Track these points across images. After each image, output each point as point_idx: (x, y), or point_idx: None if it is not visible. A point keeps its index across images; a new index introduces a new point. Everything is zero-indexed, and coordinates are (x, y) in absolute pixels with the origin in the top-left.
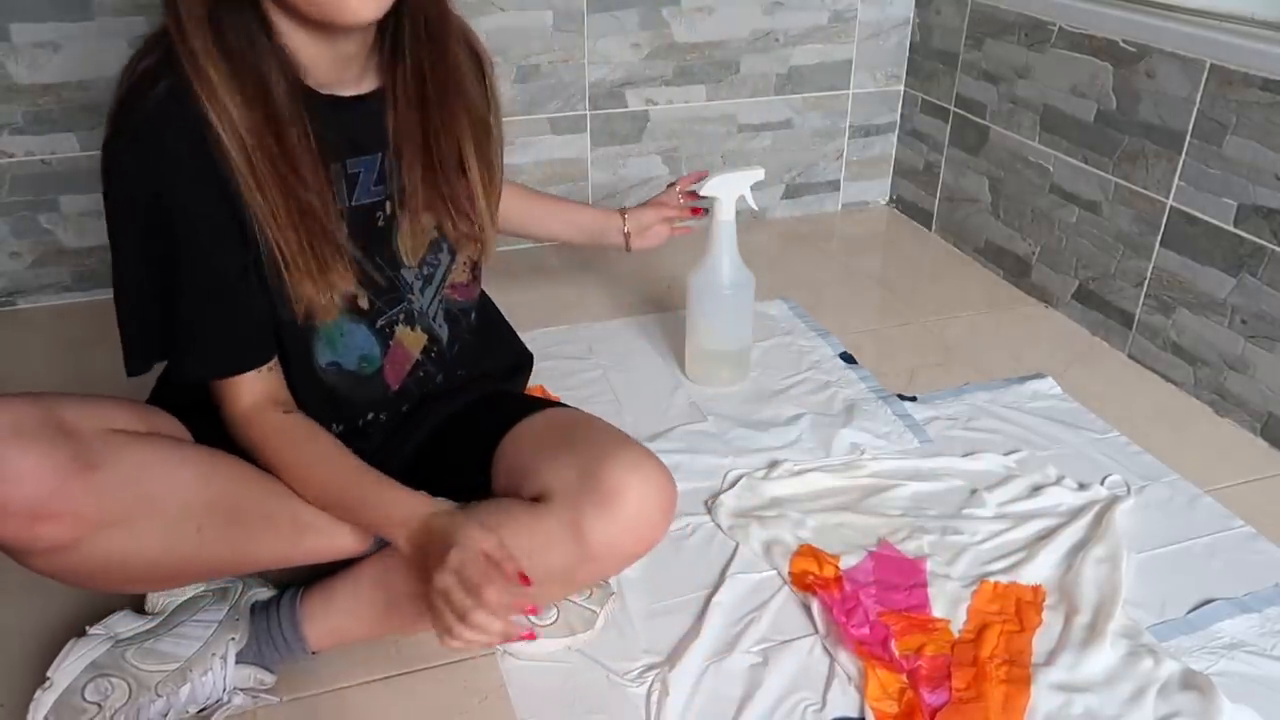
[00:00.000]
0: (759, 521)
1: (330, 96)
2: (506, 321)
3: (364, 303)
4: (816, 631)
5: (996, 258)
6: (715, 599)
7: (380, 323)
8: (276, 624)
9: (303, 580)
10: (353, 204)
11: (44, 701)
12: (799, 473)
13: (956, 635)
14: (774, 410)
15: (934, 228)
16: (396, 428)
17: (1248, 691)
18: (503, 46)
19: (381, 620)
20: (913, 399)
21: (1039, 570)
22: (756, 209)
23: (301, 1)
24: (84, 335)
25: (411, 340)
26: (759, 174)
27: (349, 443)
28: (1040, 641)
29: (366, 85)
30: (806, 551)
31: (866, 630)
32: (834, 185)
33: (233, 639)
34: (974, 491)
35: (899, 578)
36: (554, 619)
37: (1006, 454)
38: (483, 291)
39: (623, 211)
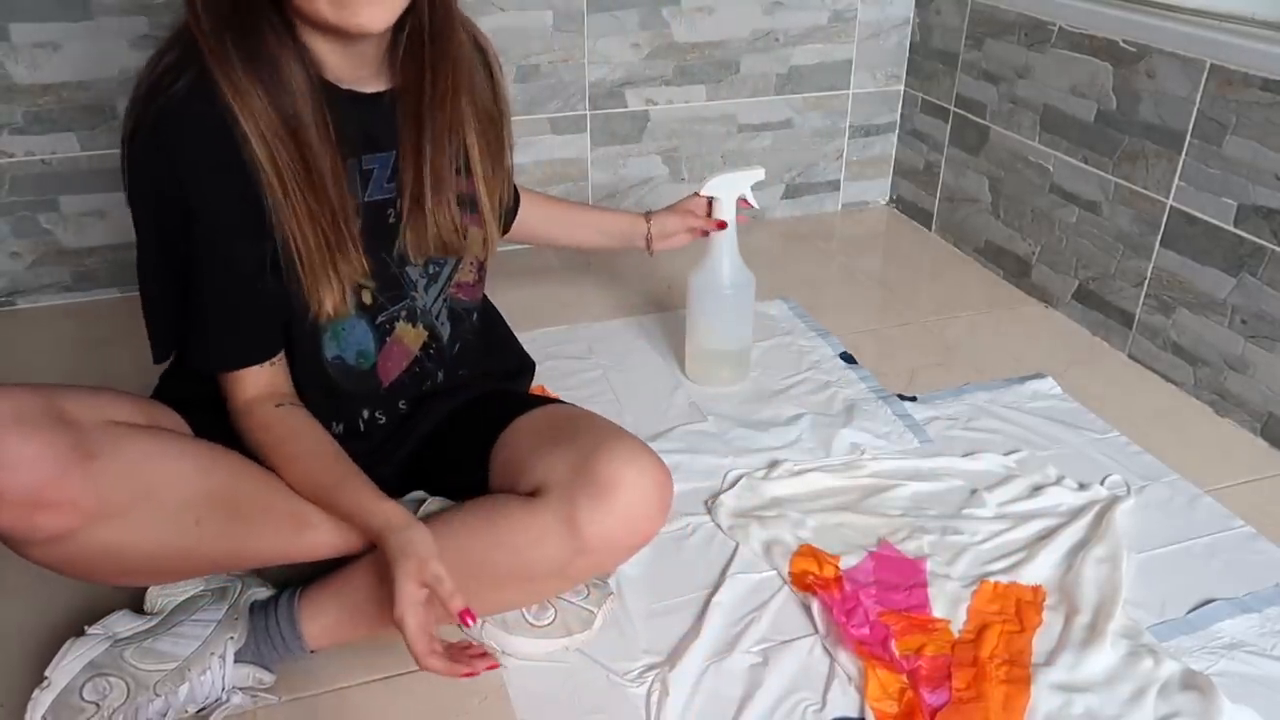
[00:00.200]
0: (759, 521)
1: (349, 92)
2: (509, 328)
3: (367, 298)
4: (816, 631)
5: (996, 258)
6: (715, 599)
7: (380, 318)
8: (275, 623)
9: (301, 579)
10: (365, 200)
11: (42, 701)
12: (799, 473)
13: (956, 635)
14: (774, 410)
15: (934, 228)
16: (396, 429)
17: (1248, 691)
18: (503, 46)
19: (379, 618)
20: (913, 399)
21: (1039, 570)
22: (757, 208)
23: (314, 11)
24: (84, 335)
25: (412, 337)
26: (759, 174)
27: (349, 443)
28: (1040, 641)
29: (382, 83)
30: (806, 551)
31: (866, 630)
32: (834, 185)
33: (231, 638)
34: (974, 491)
35: (899, 578)
36: (551, 619)
37: (1006, 454)
38: (485, 295)
39: (647, 216)
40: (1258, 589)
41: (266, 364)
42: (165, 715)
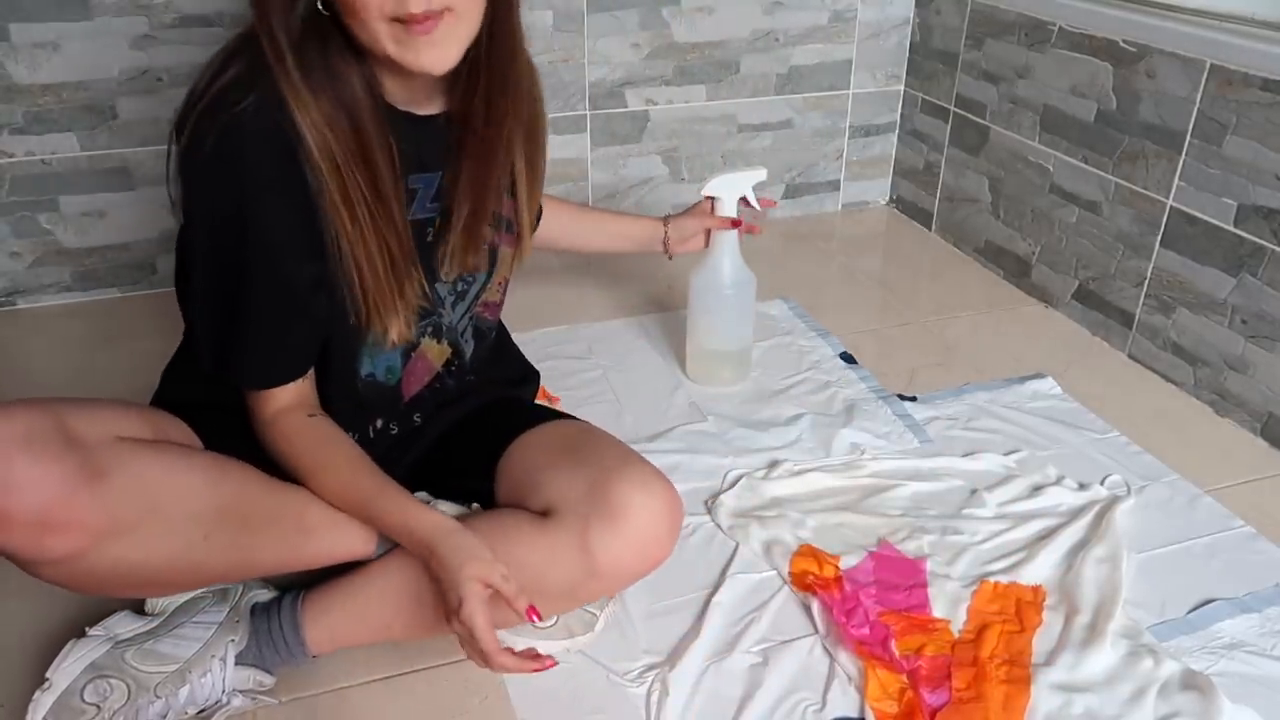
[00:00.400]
0: (759, 521)
1: (406, 114)
2: (513, 340)
3: None
4: (816, 631)
5: (996, 258)
6: (715, 599)
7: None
8: (278, 627)
9: (303, 583)
10: (409, 219)
11: (43, 702)
12: (799, 473)
13: (956, 635)
14: (774, 410)
15: (934, 228)
16: (406, 437)
17: (1248, 691)
18: None
19: (383, 627)
20: (913, 399)
21: (1039, 570)
22: (759, 209)
23: (378, 48)
24: (84, 335)
25: (435, 353)
26: (761, 174)
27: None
28: (1040, 641)
29: (436, 106)
30: (806, 551)
31: (866, 630)
32: (834, 185)
33: (232, 641)
34: (974, 491)
35: (899, 578)
36: (553, 621)
37: (1006, 454)
38: None
39: (666, 220)
40: (1258, 589)
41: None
42: (165, 717)
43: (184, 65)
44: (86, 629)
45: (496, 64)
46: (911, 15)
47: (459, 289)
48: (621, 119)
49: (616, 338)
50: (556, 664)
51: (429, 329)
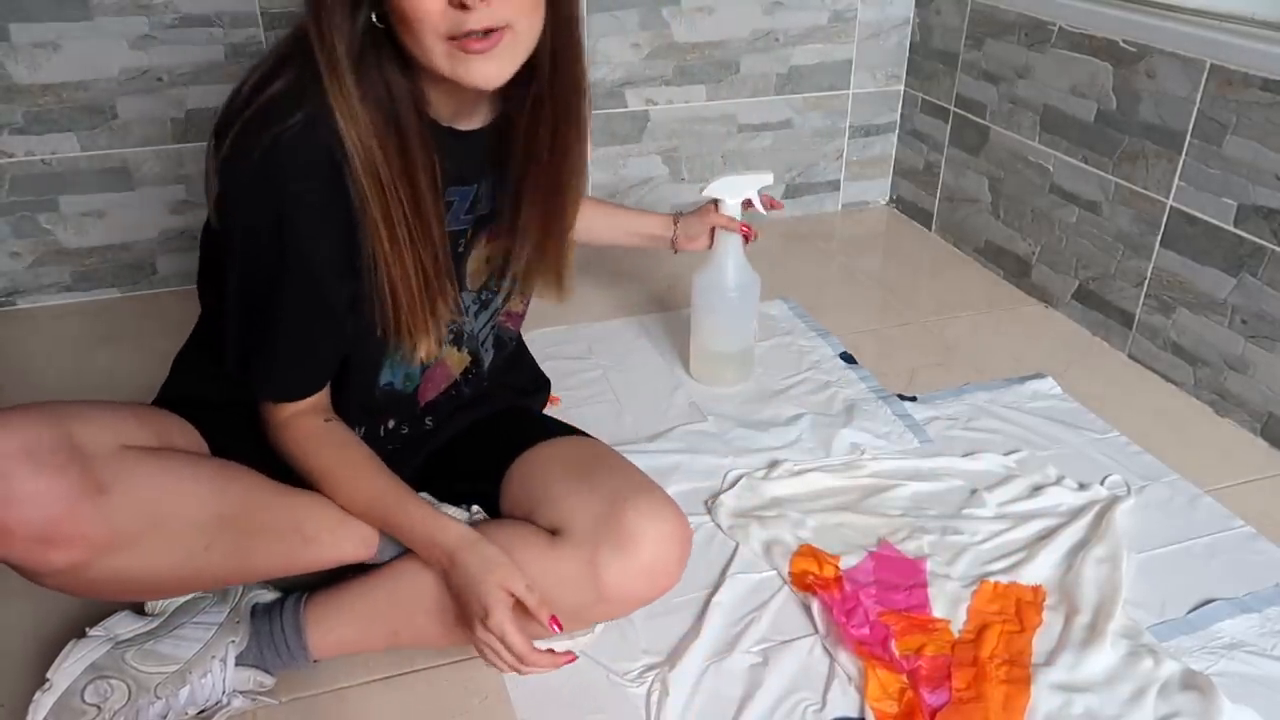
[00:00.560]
0: (759, 521)
1: (449, 129)
2: (529, 349)
3: None
4: (816, 631)
5: (996, 258)
6: (715, 599)
7: None
8: (280, 631)
9: (305, 586)
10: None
11: (43, 703)
12: (799, 473)
13: (956, 635)
14: (774, 410)
15: (934, 228)
16: (416, 438)
17: (1248, 691)
18: None
19: (389, 635)
20: (913, 399)
21: (1039, 570)
22: (764, 213)
23: (430, 62)
24: (84, 335)
25: (455, 361)
26: (767, 178)
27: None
28: (1040, 641)
29: (479, 120)
30: (806, 551)
31: (866, 630)
32: (834, 185)
33: (233, 641)
34: (974, 491)
35: (899, 578)
36: None
37: (1006, 454)
38: None
39: (676, 218)
40: (1258, 589)
41: None
42: (166, 717)
43: (184, 65)
44: (87, 629)
45: (560, 84)
46: (911, 15)
47: (483, 298)
48: (621, 119)
49: (616, 337)
50: (576, 658)
51: (450, 337)
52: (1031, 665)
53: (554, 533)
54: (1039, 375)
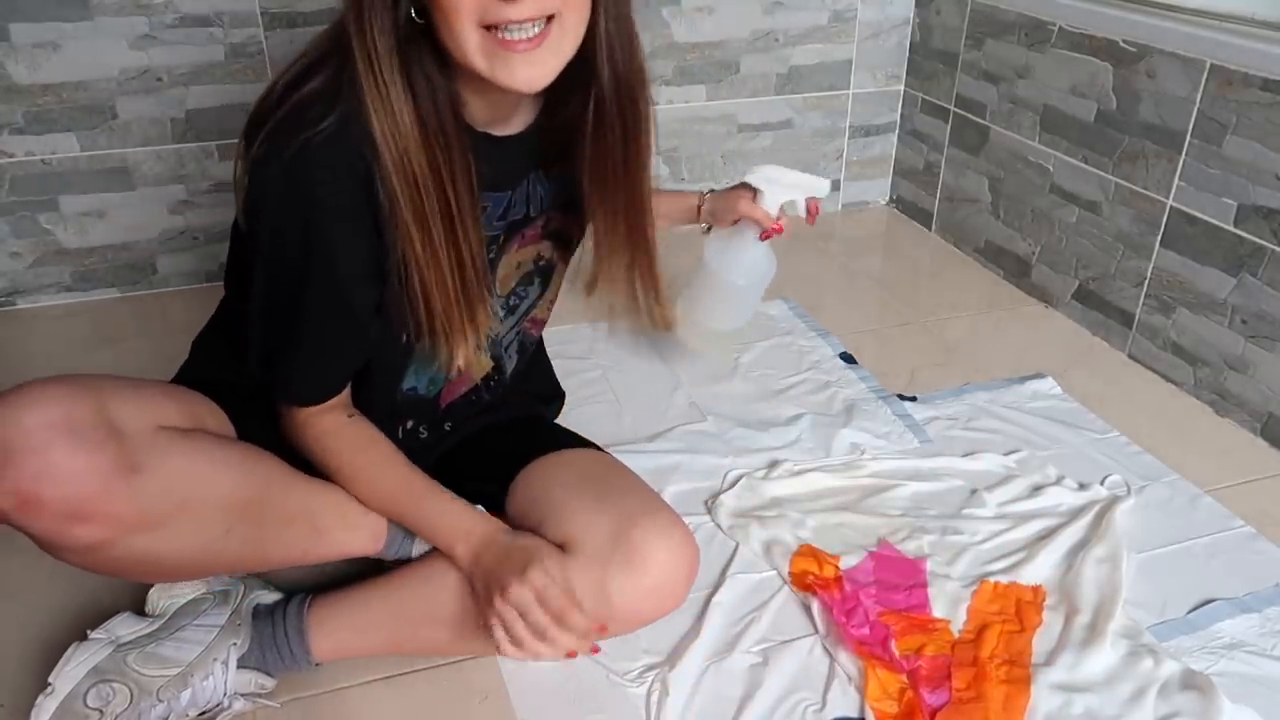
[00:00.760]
0: (759, 521)
1: (486, 134)
2: (548, 356)
3: None
4: (816, 631)
5: (996, 258)
6: (715, 599)
7: None
8: (282, 634)
9: (307, 587)
10: None
11: (46, 707)
12: (799, 473)
13: (956, 635)
14: (774, 410)
15: (934, 228)
16: (433, 441)
17: (1248, 691)
18: None
19: (390, 643)
20: (913, 399)
21: (1039, 570)
22: (802, 216)
23: (469, 64)
24: (84, 335)
25: (479, 366)
26: (822, 187)
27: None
28: (1040, 641)
29: (517, 125)
30: (806, 551)
31: (866, 630)
32: (834, 185)
33: (234, 644)
34: (974, 491)
35: (899, 578)
36: None
37: (1006, 454)
38: None
39: (703, 196)
40: (1258, 589)
41: None
42: (166, 719)
43: (184, 65)
44: (88, 632)
45: (624, 83)
46: (911, 15)
47: (511, 303)
48: None
49: (616, 337)
50: (599, 650)
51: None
52: (1031, 665)
53: (562, 546)
54: (1039, 375)
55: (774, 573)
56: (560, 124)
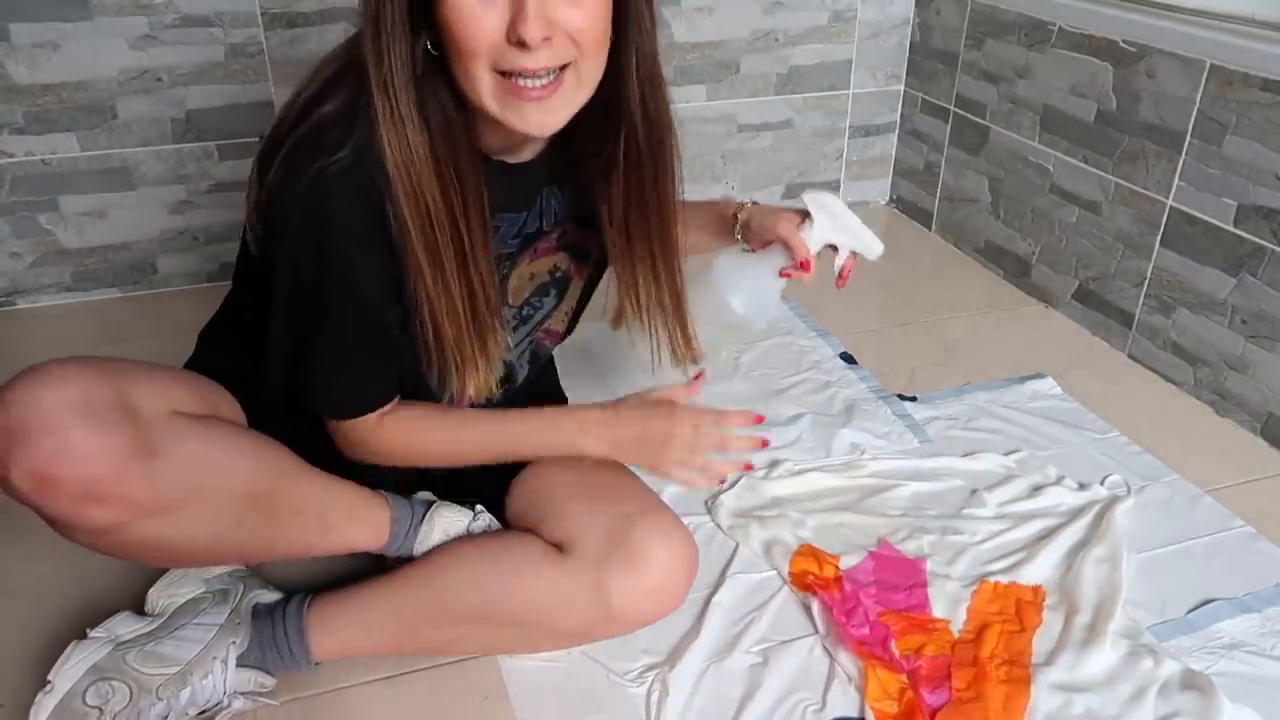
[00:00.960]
0: (759, 521)
1: (499, 163)
2: (555, 364)
3: None
4: (816, 631)
5: (996, 258)
6: (715, 599)
7: None
8: (282, 634)
9: (308, 588)
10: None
11: (45, 705)
12: (799, 473)
13: (956, 635)
14: (774, 410)
15: (934, 228)
16: None
17: (1248, 691)
18: None
19: (391, 642)
20: (913, 399)
21: (1039, 570)
22: (840, 263)
23: (482, 106)
24: (84, 335)
25: (489, 392)
26: (877, 249)
27: None
28: (1040, 641)
29: (529, 154)
30: (806, 551)
31: (866, 630)
32: (834, 185)
33: (234, 643)
34: (974, 491)
35: (899, 578)
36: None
37: (1006, 454)
38: None
39: (740, 208)
40: (1258, 589)
41: None
42: (167, 718)
43: (184, 65)
44: (88, 630)
45: (653, 131)
46: (911, 15)
47: (524, 313)
48: None
49: (616, 337)
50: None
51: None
52: (1031, 665)
53: (560, 547)
54: (1039, 375)
55: (774, 573)
56: (580, 156)
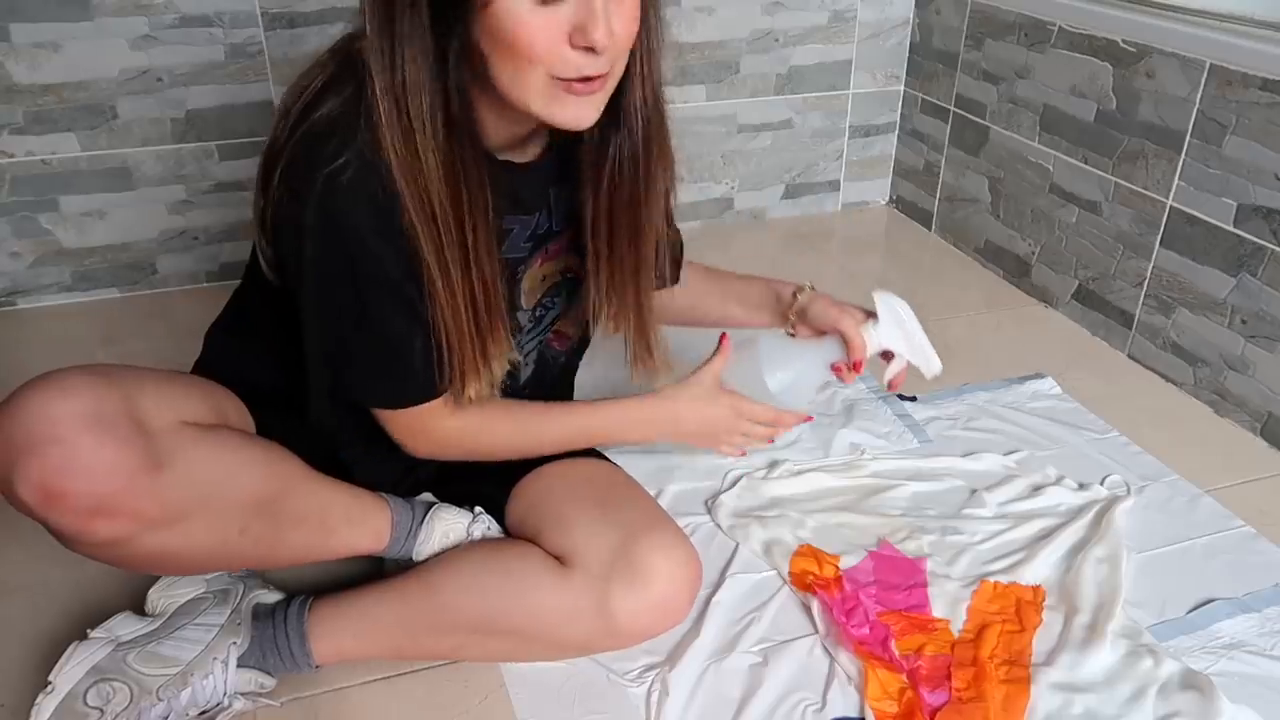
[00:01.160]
0: (759, 521)
1: (505, 162)
2: (572, 384)
3: None
4: (816, 631)
5: (996, 258)
6: (715, 599)
7: None
8: (284, 636)
9: (309, 589)
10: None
11: (46, 706)
12: (799, 473)
13: (956, 635)
14: None
15: (934, 228)
16: None
17: (1248, 691)
18: None
19: (392, 648)
20: (913, 399)
21: (1039, 570)
22: (893, 373)
23: (522, 102)
24: (84, 335)
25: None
26: (935, 367)
27: (393, 451)
28: (1040, 641)
29: (533, 152)
30: (806, 551)
31: (866, 630)
32: (834, 185)
33: (234, 643)
34: (974, 491)
35: (899, 578)
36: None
37: (1006, 454)
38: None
39: (798, 291)
40: (1258, 589)
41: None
42: (167, 719)
43: (184, 65)
44: (88, 631)
45: (652, 128)
46: (911, 15)
47: (537, 314)
48: None
49: (616, 338)
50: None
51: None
52: (1031, 665)
53: (561, 558)
54: (1039, 375)
55: (774, 573)
56: (576, 156)
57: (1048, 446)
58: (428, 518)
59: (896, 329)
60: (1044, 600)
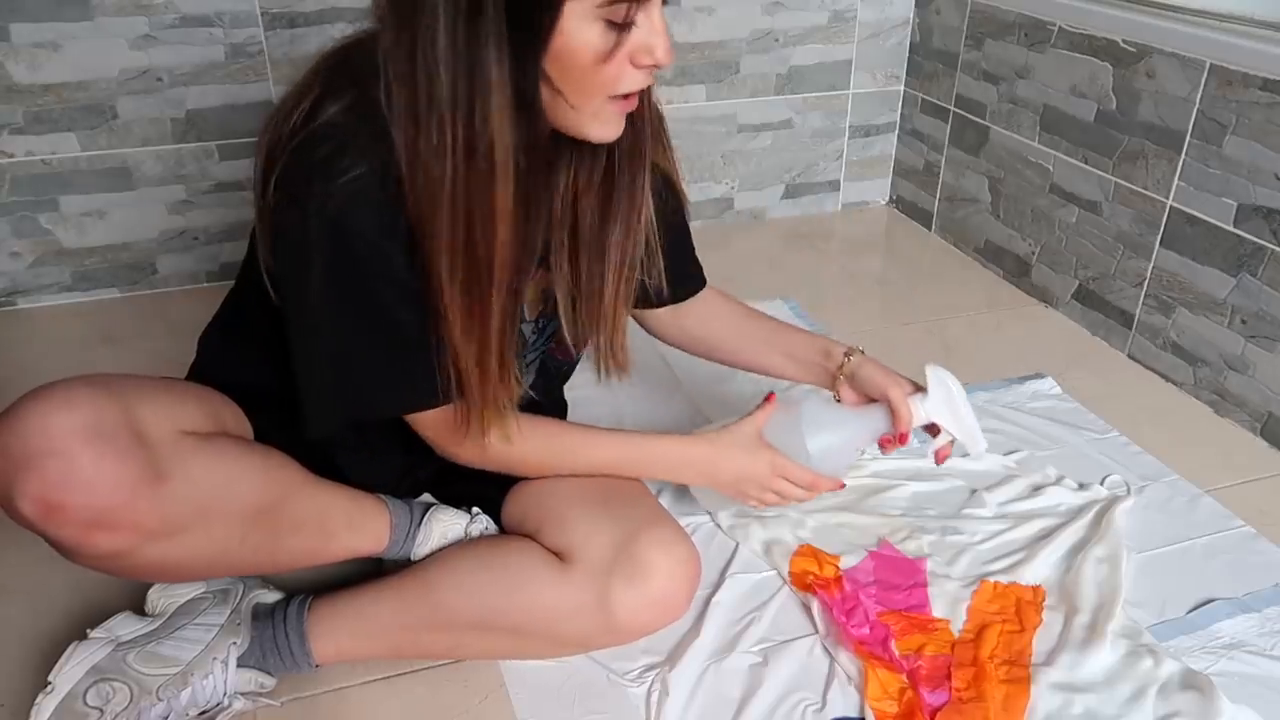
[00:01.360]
0: (759, 521)
1: None
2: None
3: None
4: (816, 631)
5: (996, 258)
6: (715, 599)
7: None
8: (283, 636)
9: (309, 588)
10: None
11: (45, 706)
12: None
13: (956, 635)
14: None
15: (934, 228)
16: None
17: (1248, 691)
18: None
19: (392, 647)
20: None
21: (1039, 570)
22: (937, 447)
23: (571, 124)
24: (84, 335)
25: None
26: (981, 448)
27: (393, 454)
28: (1040, 641)
29: None
30: (806, 551)
31: (866, 630)
32: (834, 185)
33: (234, 643)
34: (974, 491)
35: (899, 578)
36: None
37: (1006, 454)
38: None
39: (849, 353)
40: (1258, 589)
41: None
42: (166, 718)
43: (184, 65)
44: (88, 631)
45: (644, 138)
46: (911, 15)
47: (540, 324)
48: None
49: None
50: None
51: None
52: (1031, 665)
53: (561, 554)
54: (1039, 375)
55: (774, 573)
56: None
57: (1048, 446)
58: (426, 519)
59: (945, 405)
60: (1044, 600)
